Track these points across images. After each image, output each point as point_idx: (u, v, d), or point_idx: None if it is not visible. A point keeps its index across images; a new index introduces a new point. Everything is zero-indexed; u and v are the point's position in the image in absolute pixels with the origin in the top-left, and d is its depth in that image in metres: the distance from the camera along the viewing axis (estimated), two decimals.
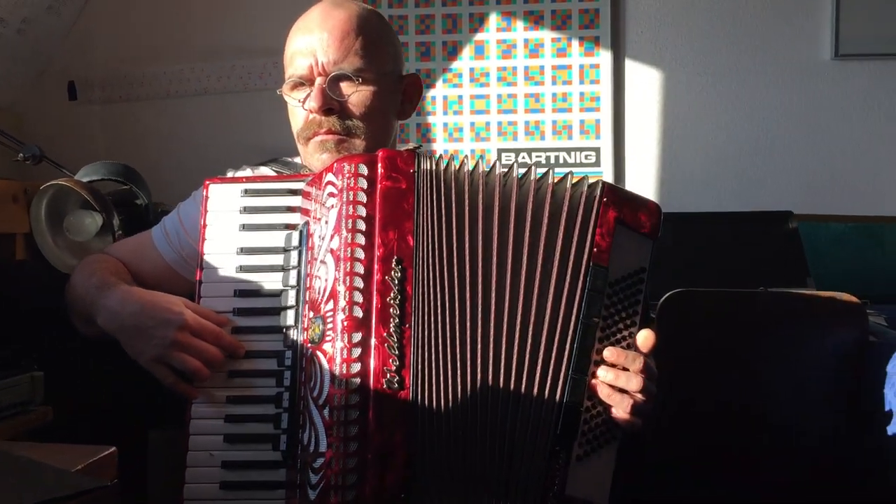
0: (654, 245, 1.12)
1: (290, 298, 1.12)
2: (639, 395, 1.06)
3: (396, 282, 1.05)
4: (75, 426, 1.59)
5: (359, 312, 1.04)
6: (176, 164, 2.51)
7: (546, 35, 2.49)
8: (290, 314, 1.11)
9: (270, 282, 1.14)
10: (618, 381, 1.06)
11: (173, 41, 2.56)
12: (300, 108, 1.27)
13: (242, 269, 1.15)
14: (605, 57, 2.47)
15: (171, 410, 1.15)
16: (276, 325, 1.12)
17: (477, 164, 1.12)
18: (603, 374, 1.07)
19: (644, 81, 2.48)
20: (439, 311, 1.05)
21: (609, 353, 1.08)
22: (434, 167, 1.10)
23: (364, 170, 1.10)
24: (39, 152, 1.82)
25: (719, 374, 1.57)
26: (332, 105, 1.24)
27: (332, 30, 1.25)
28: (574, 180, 1.12)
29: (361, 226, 1.08)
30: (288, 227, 1.15)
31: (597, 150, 2.48)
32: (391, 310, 1.04)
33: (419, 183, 1.09)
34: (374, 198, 1.08)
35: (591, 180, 1.12)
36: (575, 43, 2.48)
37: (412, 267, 1.06)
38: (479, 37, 2.52)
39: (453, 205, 1.08)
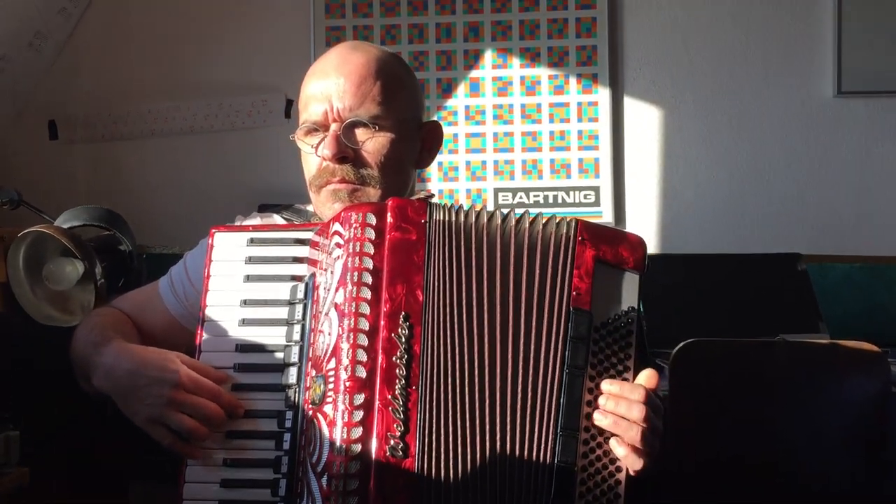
0: (642, 280, 1.08)
1: (294, 355, 1.08)
2: (642, 425, 1.01)
3: (403, 340, 1.01)
4: (53, 487, 1.53)
5: (362, 372, 1.00)
6: (162, 207, 2.47)
7: (543, 72, 2.49)
8: (293, 372, 1.07)
9: (274, 336, 1.10)
10: (618, 408, 1.02)
11: (159, 78, 2.54)
12: (313, 155, 1.24)
13: (245, 322, 1.11)
14: (603, 94, 2.46)
15: (152, 463, 1.11)
16: (278, 382, 1.08)
17: (494, 214, 1.09)
18: (602, 401, 1.03)
19: (643, 119, 2.47)
20: (447, 371, 1.01)
21: (607, 384, 1.04)
22: (447, 217, 1.07)
23: (372, 219, 1.06)
24: (17, 196, 1.78)
25: (736, 424, 1.53)
26: (346, 153, 1.21)
27: (349, 75, 1.23)
28: (543, 221, 1.09)
29: (368, 279, 1.04)
30: (294, 278, 1.11)
31: (596, 189, 2.47)
32: (397, 370, 1.00)
33: (430, 234, 1.05)
34: (383, 250, 1.05)
35: (566, 219, 1.09)
36: (573, 80, 2.48)
37: (420, 324, 1.02)
38: (474, 74, 2.51)
39: (463, 258, 1.05)
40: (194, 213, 2.47)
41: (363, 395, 0.99)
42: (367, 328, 1.02)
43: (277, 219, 1.36)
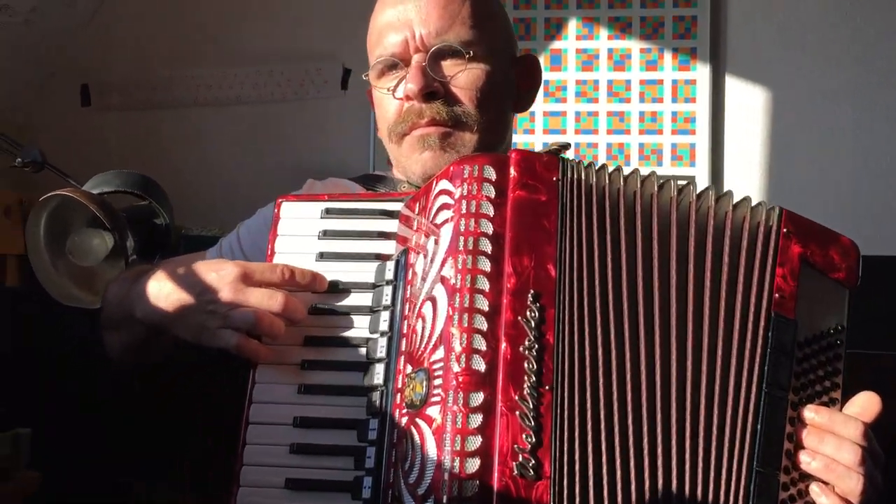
0: (852, 295, 0.89)
1: (380, 349, 0.87)
2: (857, 472, 0.79)
3: (533, 325, 0.79)
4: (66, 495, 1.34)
5: (480, 364, 0.78)
6: (202, 183, 2.28)
7: (634, 45, 2.26)
8: (379, 370, 0.86)
9: (353, 328, 0.91)
10: (823, 447, 0.81)
11: (204, 41, 2.35)
12: (390, 98, 1.04)
13: (317, 309, 0.91)
14: (702, 72, 2.23)
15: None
16: (357, 384, 0.88)
17: (635, 175, 0.87)
18: (804, 434, 0.82)
19: (748, 101, 2.23)
20: (589, 369, 0.80)
21: (811, 411, 0.83)
22: (587, 177, 0.86)
23: (491, 173, 0.85)
24: (41, 157, 1.58)
25: None
26: (434, 87, 1.01)
27: None
28: (734, 200, 0.89)
29: (486, 246, 0.83)
30: (379, 257, 0.93)
31: (691, 178, 2.20)
32: (525, 363, 0.78)
33: (564, 196, 0.84)
34: (505, 210, 0.84)
35: (765, 204, 0.89)
36: (668, 55, 2.24)
37: (554, 306, 0.80)
38: (555, 45, 2.29)
39: (609, 231, 0.84)
40: (237, 191, 2.27)
41: (482, 394, 0.77)
42: (485, 308, 0.80)
43: (356, 187, 1.15)
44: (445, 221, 0.85)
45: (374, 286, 0.91)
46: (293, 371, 0.89)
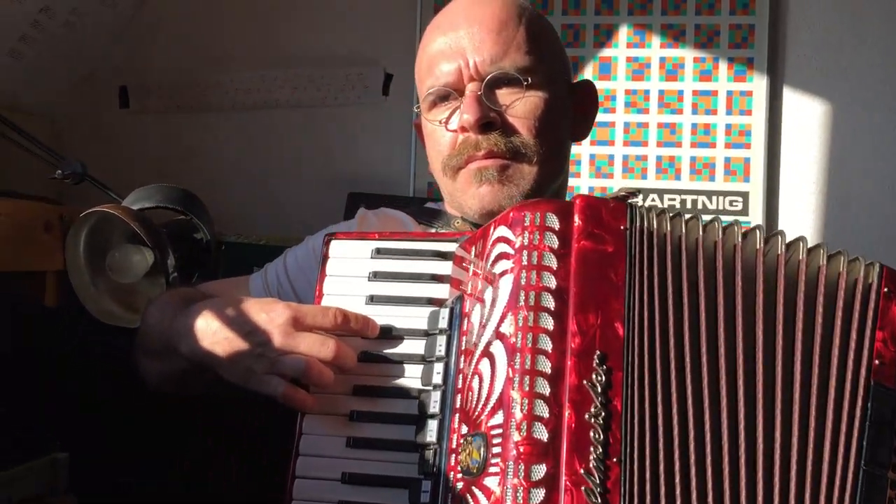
0: None
1: (434, 403, 0.83)
2: None
3: (599, 390, 0.74)
4: None
5: (542, 433, 0.74)
6: (240, 189, 2.25)
7: (688, 54, 2.18)
8: (433, 427, 0.82)
9: (404, 377, 0.87)
10: None
11: (244, 45, 2.31)
12: (443, 130, 0.99)
13: (366, 356, 0.87)
14: (759, 83, 2.15)
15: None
16: (408, 439, 0.83)
17: (714, 225, 0.82)
18: None
19: (807, 115, 2.15)
20: (662, 440, 0.74)
21: None
22: (656, 225, 0.80)
23: (554, 222, 0.81)
24: (82, 169, 1.56)
25: None
26: (491, 118, 0.96)
27: (485, 19, 0.99)
28: (825, 253, 0.84)
29: (549, 302, 0.78)
30: (432, 301, 0.89)
31: (744, 194, 2.15)
32: (591, 433, 0.73)
33: (633, 246, 0.79)
34: (569, 262, 0.79)
35: (862, 259, 0.84)
36: (723, 65, 2.17)
37: (622, 369, 0.75)
38: (605, 53, 2.22)
39: (686, 285, 0.79)
40: (275, 197, 2.24)
41: (544, 467, 0.73)
42: (548, 370, 0.76)
43: (408, 221, 1.11)
44: (505, 272, 0.80)
45: (426, 334, 0.87)
46: (341, 422, 0.86)
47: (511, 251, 0.81)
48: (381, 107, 2.26)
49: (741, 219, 2.14)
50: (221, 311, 0.90)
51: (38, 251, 1.48)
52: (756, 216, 2.14)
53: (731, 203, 2.16)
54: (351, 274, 0.93)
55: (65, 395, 1.35)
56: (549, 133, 1.00)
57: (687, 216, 0.83)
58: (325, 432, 0.86)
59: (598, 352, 0.76)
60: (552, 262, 0.79)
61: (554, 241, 0.80)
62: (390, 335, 0.89)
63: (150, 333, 1.02)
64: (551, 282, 0.78)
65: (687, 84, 2.18)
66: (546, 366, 0.76)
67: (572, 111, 1.07)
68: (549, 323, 0.77)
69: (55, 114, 2.24)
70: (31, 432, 1.27)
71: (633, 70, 2.21)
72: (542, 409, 0.74)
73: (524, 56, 0.99)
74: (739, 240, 0.82)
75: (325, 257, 0.93)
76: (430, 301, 0.89)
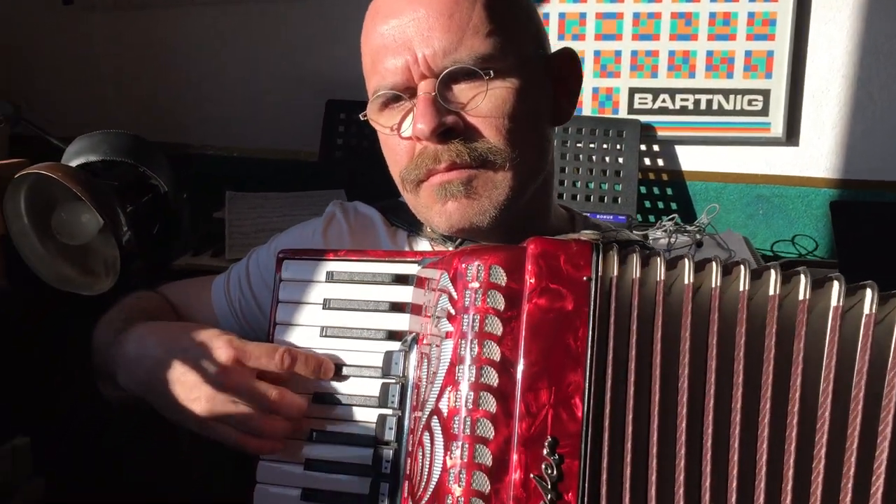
0: None
1: (385, 463, 0.77)
2: None
3: (549, 485, 0.66)
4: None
5: None
6: (209, 96, 2.11)
7: None
8: (385, 489, 0.76)
9: (361, 424, 0.80)
10: None
11: None
12: (396, 138, 0.86)
13: (320, 398, 0.81)
14: None
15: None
16: (364, 493, 0.77)
17: (709, 269, 0.70)
18: None
19: (841, 1, 1.94)
20: None
21: None
22: (629, 272, 0.69)
23: (501, 276, 0.70)
24: (13, 111, 1.44)
25: None
26: (449, 123, 0.82)
27: (432, 2, 0.82)
28: (850, 304, 0.68)
29: (492, 378, 0.68)
30: (392, 335, 0.80)
31: (765, 93, 1.99)
32: None
33: (598, 302, 0.68)
34: (518, 328, 0.69)
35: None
36: None
37: (579, 458, 0.66)
38: None
39: (661, 345, 0.68)
40: (249, 104, 2.11)
41: None
42: (488, 463, 0.67)
43: (379, 224, 1.01)
44: (448, 335, 0.71)
45: (384, 375, 0.79)
46: (296, 473, 0.80)
47: (452, 311, 0.71)
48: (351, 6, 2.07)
49: (759, 120, 1.99)
50: (157, 341, 0.85)
51: None
52: (777, 116, 1.99)
53: (749, 102, 2.00)
54: (304, 300, 0.84)
55: (24, 380, 1.30)
56: (523, 128, 0.85)
57: (671, 256, 0.71)
58: (280, 481, 0.81)
59: (549, 438, 0.67)
60: (497, 328, 0.69)
61: (500, 302, 0.69)
62: (344, 374, 0.81)
63: (97, 354, 0.97)
64: (495, 353, 0.68)
65: None
66: (486, 458, 0.67)
67: (552, 90, 0.92)
68: (491, 405, 0.68)
69: None
70: None
71: None
72: None
73: (484, 40, 0.82)
74: (745, 286, 0.69)
75: (276, 281, 0.85)
76: (390, 334, 0.80)
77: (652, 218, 2.05)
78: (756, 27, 1.97)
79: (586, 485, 0.66)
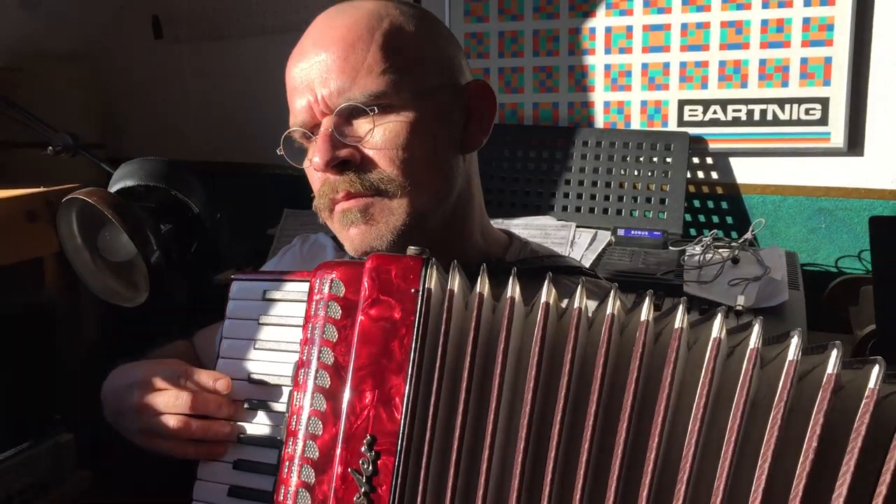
0: None
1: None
2: None
3: (364, 479, 0.75)
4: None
5: None
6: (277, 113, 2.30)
7: None
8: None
9: (275, 426, 0.88)
10: None
11: None
12: (311, 170, 0.97)
13: (252, 405, 0.89)
14: None
15: None
16: None
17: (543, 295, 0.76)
18: None
19: None
20: None
21: None
22: (456, 285, 0.76)
23: (340, 289, 0.80)
24: (73, 141, 1.65)
25: None
26: (343, 156, 0.92)
27: (333, 44, 0.92)
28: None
29: (324, 381, 0.78)
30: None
31: (824, 101, 1.94)
32: None
33: (428, 312, 0.76)
34: (351, 335, 0.78)
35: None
36: None
37: (395, 455, 0.75)
38: None
39: (478, 353, 0.75)
40: None
41: None
42: (315, 457, 0.77)
43: (330, 251, 1.13)
44: (301, 342, 0.81)
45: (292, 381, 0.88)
46: (227, 470, 0.88)
47: (302, 320, 0.81)
48: None
49: (819, 129, 1.95)
50: (119, 377, 0.99)
51: (30, 239, 1.59)
52: (837, 126, 1.93)
53: (807, 112, 1.96)
54: (245, 317, 0.93)
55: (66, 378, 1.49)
56: (418, 158, 0.93)
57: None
58: (215, 479, 0.90)
59: (368, 436, 0.76)
60: (333, 335, 0.78)
61: (337, 312, 0.79)
62: (269, 384, 0.88)
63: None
64: (329, 358, 0.78)
65: None
66: (314, 452, 0.77)
67: (461, 117, 1.00)
68: (322, 404, 0.77)
69: (94, 47, 2.35)
70: (33, 419, 1.43)
71: None
72: (306, 500, 0.76)
73: (376, 79, 0.91)
74: (580, 307, 0.74)
75: (227, 299, 0.95)
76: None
77: (706, 232, 2.04)
78: (812, 33, 1.93)
79: (398, 480, 0.74)
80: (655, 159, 2.00)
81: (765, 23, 1.96)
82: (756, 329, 0.69)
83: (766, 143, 2.00)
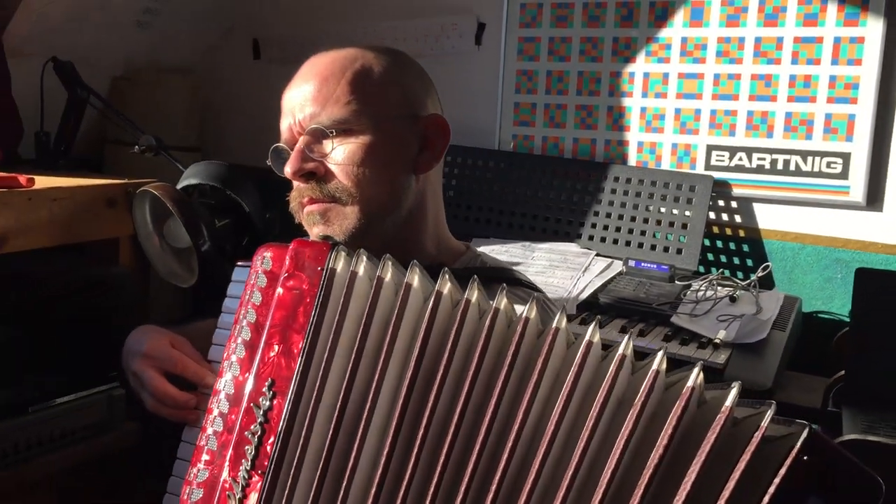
0: None
1: None
2: None
3: (261, 412, 0.98)
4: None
5: (214, 444, 1.00)
6: None
7: None
8: None
9: None
10: None
11: None
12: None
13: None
14: (873, 28, 1.99)
15: None
16: None
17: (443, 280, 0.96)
18: None
19: None
20: (308, 471, 0.94)
21: None
22: (354, 266, 0.97)
23: (268, 263, 1.03)
24: (156, 143, 1.97)
25: None
26: (309, 168, 1.17)
27: (312, 79, 1.19)
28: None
29: (247, 334, 1.01)
30: None
31: (845, 156, 2.05)
32: (246, 447, 0.97)
33: (329, 287, 0.98)
34: (270, 300, 1.01)
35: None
36: (831, 7, 2.03)
37: (285, 396, 0.97)
38: None
39: (377, 327, 0.95)
40: None
41: (208, 472, 0.99)
42: (232, 392, 1.00)
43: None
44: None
45: None
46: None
47: (243, 288, 1.05)
48: (473, 55, 2.43)
49: (839, 183, 2.05)
50: (132, 340, 1.20)
51: (111, 221, 1.91)
52: (857, 180, 2.03)
53: (828, 165, 2.07)
54: (237, 295, 1.11)
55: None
56: (370, 174, 1.15)
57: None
58: (192, 440, 1.09)
59: (269, 379, 0.99)
60: (258, 298, 1.02)
61: (263, 282, 1.02)
62: None
63: None
64: (253, 316, 1.01)
65: (788, 30, 2.09)
66: (231, 388, 1.00)
67: (416, 143, 1.22)
68: (242, 352, 1.00)
69: (199, 66, 2.71)
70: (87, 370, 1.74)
71: (727, 15, 2.15)
72: (219, 424, 1.00)
73: (342, 108, 1.14)
74: (473, 298, 0.92)
75: (231, 280, 1.16)
76: None
77: (727, 272, 2.17)
78: (837, 90, 2.04)
79: (287, 415, 0.96)
80: (679, 199, 2.15)
81: (793, 77, 2.09)
82: (659, 355, 0.85)
83: (787, 192, 2.11)
